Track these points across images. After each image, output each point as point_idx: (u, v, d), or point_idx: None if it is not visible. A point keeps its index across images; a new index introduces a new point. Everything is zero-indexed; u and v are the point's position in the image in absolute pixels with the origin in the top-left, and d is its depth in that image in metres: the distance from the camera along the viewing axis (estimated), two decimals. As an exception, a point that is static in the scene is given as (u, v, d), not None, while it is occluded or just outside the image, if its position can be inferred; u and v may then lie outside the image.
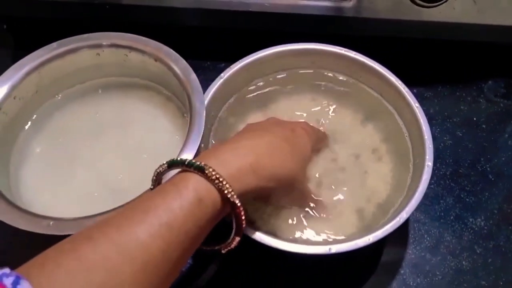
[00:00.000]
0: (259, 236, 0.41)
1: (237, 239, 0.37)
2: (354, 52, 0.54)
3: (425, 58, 0.66)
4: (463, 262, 0.51)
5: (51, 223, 0.40)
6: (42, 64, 0.50)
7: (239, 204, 0.34)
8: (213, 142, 0.51)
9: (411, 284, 0.49)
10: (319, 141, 0.49)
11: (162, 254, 0.30)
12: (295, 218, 0.46)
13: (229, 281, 0.50)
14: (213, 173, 0.33)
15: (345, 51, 0.54)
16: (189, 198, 0.32)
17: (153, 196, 0.33)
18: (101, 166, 0.50)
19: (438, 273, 0.50)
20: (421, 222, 0.53)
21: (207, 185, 0.33)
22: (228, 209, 0.35)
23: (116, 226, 0.30)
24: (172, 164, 0.36)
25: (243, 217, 0.35)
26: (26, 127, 0.51)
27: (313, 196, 0.47)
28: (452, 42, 0.62)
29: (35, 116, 0.52)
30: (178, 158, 0.35)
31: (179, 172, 0.35)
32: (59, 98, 0.53)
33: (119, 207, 0.40)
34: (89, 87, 0.54)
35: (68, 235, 0.39)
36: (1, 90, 0.47)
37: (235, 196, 0.34)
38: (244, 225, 0.35)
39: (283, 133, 0.42)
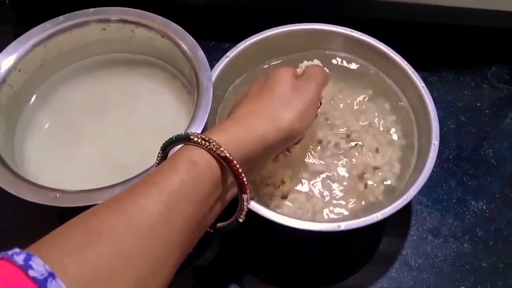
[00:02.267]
0: (266, 212, 0.42)
1: (245, 197, 0.36)
2: (360, 33, 0.54)
3: (430, 42, 0.66)
4: (465, 245, 0.51)
5: (58, 195, 0.40)
6: (48, 37, 0.49)
7: (231, 158, 0.33)
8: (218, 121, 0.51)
9: (413, 264, 0.50)
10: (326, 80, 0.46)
11: (165, 219, 0.30)
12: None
13: (230, 256, 0.50)
14: (198, 136, 0.34)
15: (350, 31, 0.54)
16: (184, 164, 0.33)
17: (152, 173, 0.33)
18: (106, 142, 0.50)
19: (439, 254, 0.50)
20: (424, 204, 0.53)
21: (197, 150, 0.34)
22: (230, 177, 0.35)
23: (118, 200, 0.31)
24: (165, 147, 0.37)
25: (239, 170, 0.34)
26: (31, 100, 0.51)
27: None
28: (457, 26, 0.62)
29: (40, 90, 0.51)
30: (167, 138, 0.36)
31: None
32: (64, 72, 0.53)
33: (125, 181, 0.40)
34: (94, 62, 0.54)
35: (75, 208, 0.40)
36: (6, 62, 0.47)
37: (224, 151, 0.33)
38: (244, 180, 0.35)
39: (281, 85, 0.41)
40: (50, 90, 0.52)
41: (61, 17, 0.50)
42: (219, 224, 0.37)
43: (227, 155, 0.33)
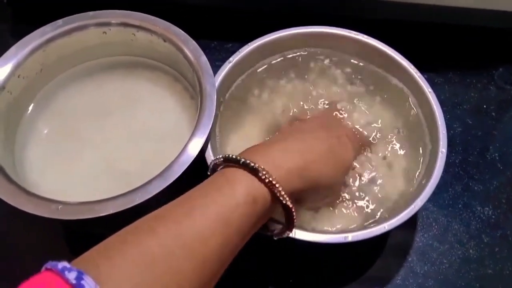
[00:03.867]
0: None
1: (289, 232, 0.38)
2: (365, 36, 0.53)
3: (437, 43, 0.65)
4: (470, 251, 0.51)
5: (59, 207, 0.39)
6: (47, 42, 0.48)
7: (291, 206, 0.35)
8: (219, 128, 0.51)
9: (418, 271, 0.49)
10: (362, 147, 0.49)
11: (220, 251, 0.31)
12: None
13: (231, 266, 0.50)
14: (267, 175, 0.34)
15: (355, 34, 0.53)
16: (244, 197, 0.33)
17: (208, 191, 0.33)
18: (107, 147, 0.49)
19: (445, 261, 0.50)
20: (430, 210, 0.53)
21: (260, 187, 0.34)
22: (276, 210, 0.36)
23: (176, 220, 0.31)
24: (228, 160, 0.36)
25: (294, 216, 0.36)
26: (31, 106, 0.50)
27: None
28: (464, 27, 0.61)
29: (39, 95, 0.51)
30: (233, 156, 0.35)
31: (230, 166, 0.35)
32: (64, 77, 0.52)
33: (127, 193, 0.40)
34: (95, 66, 0.53)
35: (76, 220, 0.39)
36: (5, 68, 0.46)
37: (287, 198, 0.34)
38: (295, 222, 0.36)
39: (329, 141, 0.42)
40: (50, 95, 0.51)
41: (60, 21, 0.49)
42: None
43: (289, 204, 0.34)
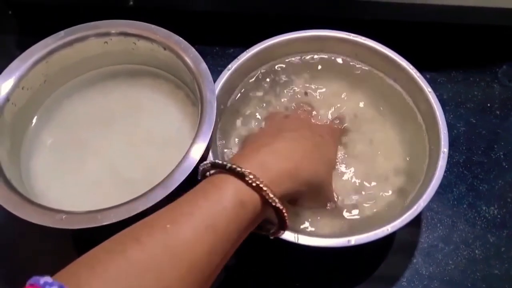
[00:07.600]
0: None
1: (283, 232, 0.39)
2: (364, 38, 0.53)
3: (439, 42, 0.64)
4: (476, 251, 0.50)
5: (63, 216, 0.39)
6: (50, 53, 0.49)
7: (281, 207, 0.35)
8: (220, 134, 0.51)
9: (424, 273, 0.49)
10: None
11: (207, 257, 0.31)
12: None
13: (238, 271, 0.50)
14: (253, 179, 0.34)
15: (353, 36, 0.53)
16: (232, 202, 0.33)
17: (195, 197, 0.33)
18: (111, 155, 0.49)
19: (450, 262, 0.50)
20: (434, 210, 0.53)
21: (248, 191, 0.34)
22: (268, 212, 0.36)
23: (162, 227, 0.30)
24: (215, 165, 0.36)
25: (286, 218, 0.36)
26: (36, 117, 0.51)
27: (334, 194, 0.47)
28: (465, 26, 0.61)
29: (44, 105, 0.51)
30: (220, 162, 0.35)
31: (219, 172, 0.35)
32: (68, 87, 0.53)
33: (130, 201, 0.40)
34: (97, 75, 0.54)
35: (81, 229, 0.39)
36: (9, 81, 0.47)
37: (277, 201, 0.34)
38: (287, 222, 0.37)
39: (314, 139, 0.43)
40: (54, 106, 0.52)
41: (62, 32, 0.49)
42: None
43: (280, 206, 0.35)
